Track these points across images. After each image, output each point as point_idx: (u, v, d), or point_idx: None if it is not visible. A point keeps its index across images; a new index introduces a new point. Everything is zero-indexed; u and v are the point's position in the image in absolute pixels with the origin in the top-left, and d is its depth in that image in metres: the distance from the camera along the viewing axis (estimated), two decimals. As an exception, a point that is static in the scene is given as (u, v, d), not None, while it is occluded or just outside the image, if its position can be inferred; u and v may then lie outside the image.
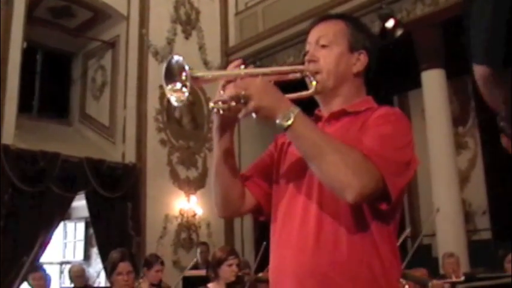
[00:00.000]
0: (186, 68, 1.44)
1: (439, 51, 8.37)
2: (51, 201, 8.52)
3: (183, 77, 1.44)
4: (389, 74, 9.85)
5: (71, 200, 8.95)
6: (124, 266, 4.00)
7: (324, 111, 1.76)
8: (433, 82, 8.39)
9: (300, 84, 1.74)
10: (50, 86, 10.71)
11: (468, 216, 9.81)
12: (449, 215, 7.87)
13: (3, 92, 8.44)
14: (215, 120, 1.65)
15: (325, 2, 9.56)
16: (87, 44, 11.04)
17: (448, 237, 7.75)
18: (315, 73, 1.69)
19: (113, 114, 10.27)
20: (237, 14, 11.72)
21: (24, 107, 9.35)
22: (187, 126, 10.72)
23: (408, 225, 10.93)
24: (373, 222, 1.55)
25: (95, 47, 10.91)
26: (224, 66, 11.29)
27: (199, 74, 1.49)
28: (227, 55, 11.47)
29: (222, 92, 1.53)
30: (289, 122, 1.46)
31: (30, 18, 9.27)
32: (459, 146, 10.32)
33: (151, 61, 10.42)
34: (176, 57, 1.48)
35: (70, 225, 11.07)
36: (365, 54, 1.73)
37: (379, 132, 1.54)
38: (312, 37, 1.75)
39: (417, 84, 8.79)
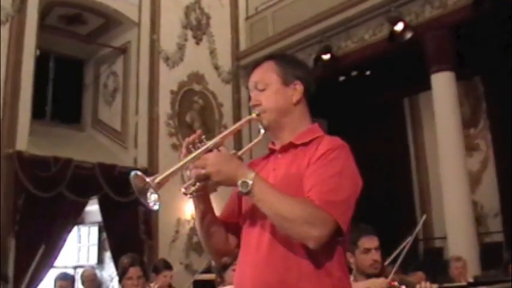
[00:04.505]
0: (147, 179, 1.63)
1: (448, 53, 8.35)
2: (65, 207, 8.61)
3: (148, 187, 1.64)
4: (399, 77, 9.91)
5: (84, 205, 9.04)
6: (134, 271, 4.04)
7: (276, 144, 1.93)
8: (443, 85, 8.36)
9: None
10: (62, 92, 10.80)
11: (480, 219, 9.79)
12: (460, 218, 7.85)
13: (17, 99, 8.56)
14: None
15: (334, 5, 9.59)
16: (99, 50, 11.14)
17: (459, 240, 7.71)
18: (260, 115, 1.87)
19: (124, 119, 10.34)
20: (247, 18, 11.77)
21: (37, 113, 9.45)
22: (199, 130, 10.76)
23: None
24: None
25: (106, 53, 11.00)
26: (235, 70, 11.39)
27: (158, 179, 1.66)
28: (238, 59, 11.53)
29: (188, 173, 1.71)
30: (248, 189, 1.64)
31: (43, 26, 9.38)
32: (471, 147, 10.29)
33: (163, 66, 10.50)
34: (133, 173, 1.67)
35: (84, 229, 11.15)
36: (300, 84, 1.91)
37: (324, 175, 1.70)
38: (251, 84, 1.94)
39: (427, 86, 8.77)
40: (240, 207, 1.94)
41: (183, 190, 1.70)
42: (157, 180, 1.63)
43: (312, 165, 1.74)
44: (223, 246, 1.94)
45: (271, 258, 1.71)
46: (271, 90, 1.88)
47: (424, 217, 5.19)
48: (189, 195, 1.72)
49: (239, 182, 1.64)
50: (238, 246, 1.94)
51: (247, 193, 1.64)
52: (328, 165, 1.72)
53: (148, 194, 1.64)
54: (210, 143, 1.73)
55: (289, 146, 1.86)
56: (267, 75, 1.91)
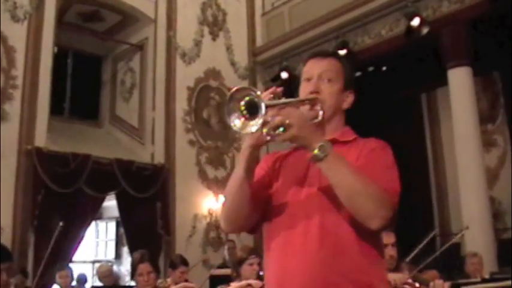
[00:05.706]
0: (258, 92, 1.59)
1: (465, 49, 8.28)
2: (83, 202, 8.72)
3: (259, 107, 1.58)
4: (416, 72, 9.85)
5: (102, 200, 9.14)
6: (144, 267, 4.06)
7: None
8: (460, 80, 8.30)
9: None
10: (80, 88, 10.89)
11: (498, 215, 9.70)
12: (477, 214, 7.80)
13: (36, 96, 8.67)
14: (249, 139, 1.73)
15: (350, 1, 9.56)
16: (116, 47, 11.22)
17: (476, 236, 7.66)
18: (321, 103, 1.89)
19: (142, 115, 10.42)
20: (263, 14, 11.77)
21: (55, 109, 9.56)
22: (216, 126, 10.82)
23: (436, 223, 10.91)
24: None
25: (123, 50, 11.09)
26: (251, 66, 11.39)
27: (268, 102, 1.62)
28: (254, 55, 11.54)
29: (269, 118, 1.62)
30: (325, 154, 1.64)
31: (61, 23, 9.49)
32: (488, 143, 10.20)
33: (179, 63, 10.56)
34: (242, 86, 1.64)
35: (102, 224, 11.25)
36: (353, 94, 1.99)
37: (384, 165, 1.78)
38: (315, 70, 1.95)
39: (445, 81, 8.71)
40: (270, 186, 1.90)
41: (265, 130, 1.64)
42: (267, 103, 1.60)
43: (365, 156, 1.79)
44: (245, 219, 1.86)
45: (325, 253, 1.69)
46: (335, 87, 1.92)
47: (450, 242, 5.30)
48: (269, 137, 1.66)
49: (318, 145, 1.64)
50: (255, 226, 1.90)
51: (322, 158, 1.64)
52: (384, 157, 1.81)
53: (235, 116, 1.61)
54: (286, 100, 1.74)
55: (332, 142, 1.83)
56: (336, 72, 1.95)
